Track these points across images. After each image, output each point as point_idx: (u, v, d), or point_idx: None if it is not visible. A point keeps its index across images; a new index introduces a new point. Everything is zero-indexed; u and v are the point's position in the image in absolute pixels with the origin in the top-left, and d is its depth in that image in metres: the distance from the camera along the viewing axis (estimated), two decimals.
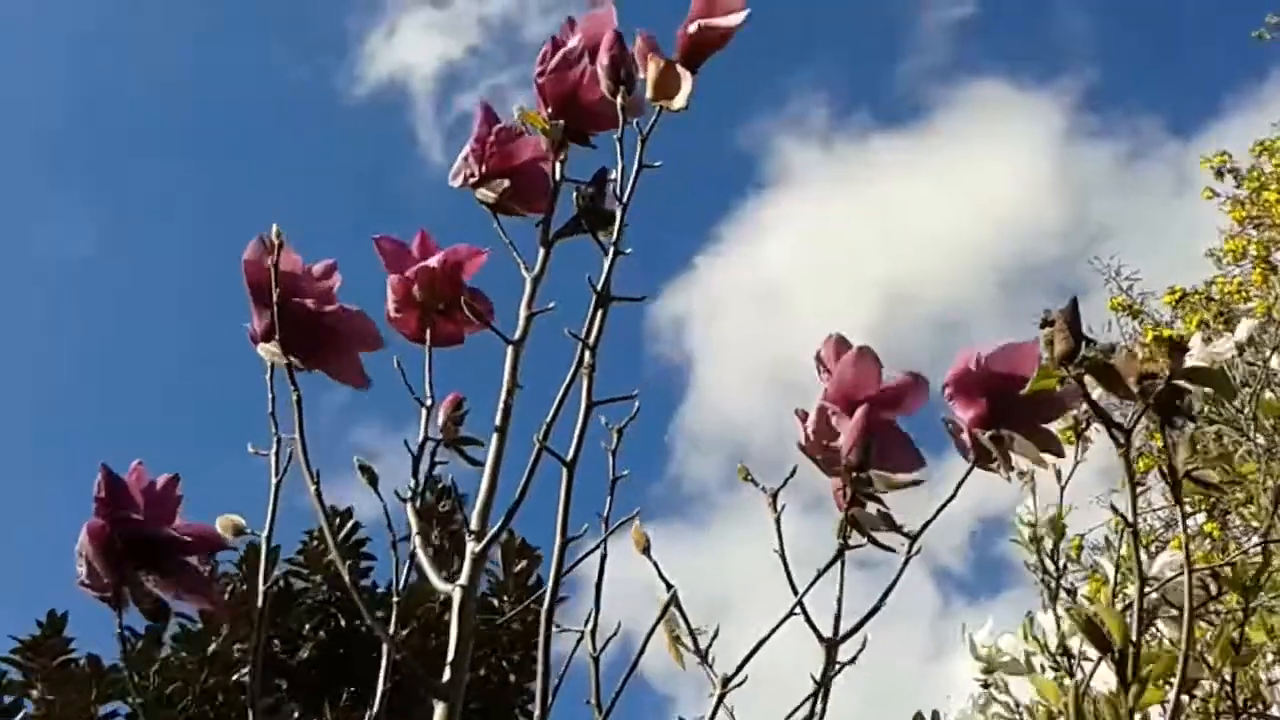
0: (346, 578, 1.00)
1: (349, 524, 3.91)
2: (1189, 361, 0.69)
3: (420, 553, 0.95)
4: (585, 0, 1.06)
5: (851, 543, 0.92)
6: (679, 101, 0.98)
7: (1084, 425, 1.27)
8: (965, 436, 0.90)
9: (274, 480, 0.91)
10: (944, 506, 0.91)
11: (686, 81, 0.98)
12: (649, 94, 1.00)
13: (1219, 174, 5.57)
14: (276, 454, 0.92)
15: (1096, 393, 0.74)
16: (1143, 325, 5.13)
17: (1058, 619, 1.47)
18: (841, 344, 0.92)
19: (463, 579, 0.90)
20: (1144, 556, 1.27)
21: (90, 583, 0.73)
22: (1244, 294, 4.96)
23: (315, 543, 4.12)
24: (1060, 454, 0.88)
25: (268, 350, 0.95)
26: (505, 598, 3.87)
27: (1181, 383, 0.68)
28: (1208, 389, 0.71)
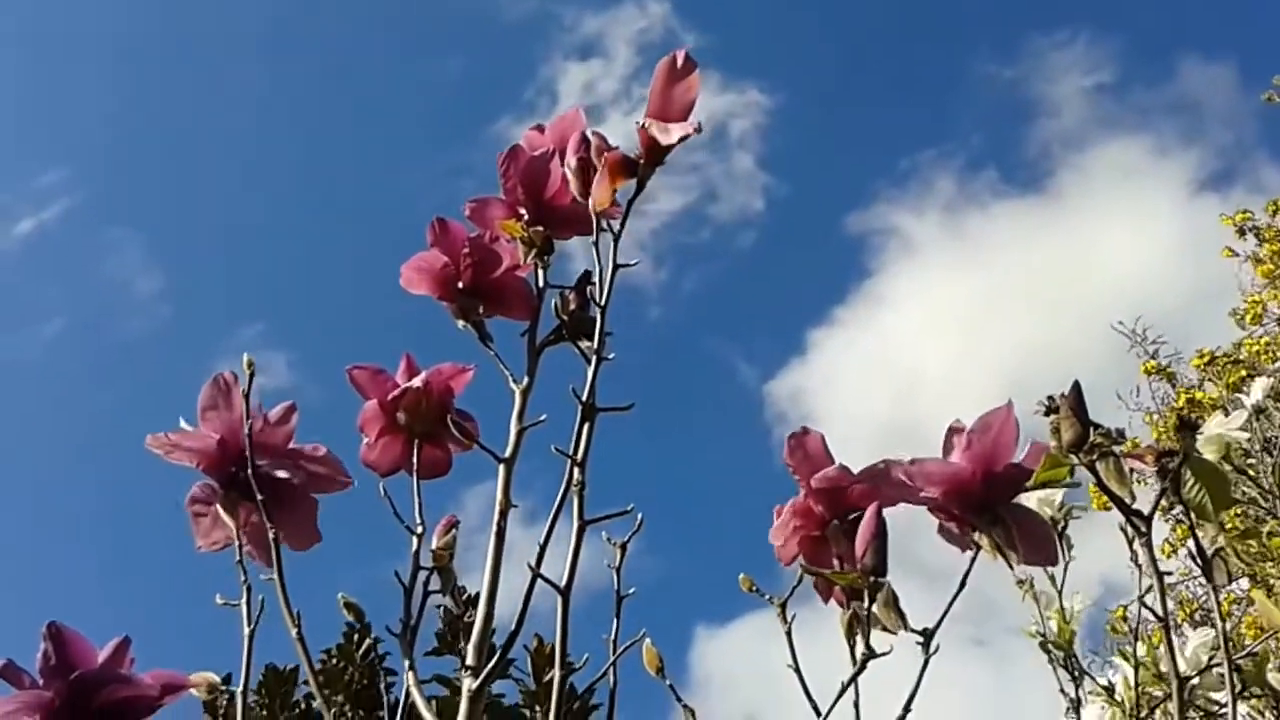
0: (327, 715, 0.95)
1: (368, 640, 3.82)
2: (1201, 441, 0.65)
3: (415, 691, 0.90)
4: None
5: (879, 651, 0.87)
6: (609, 197, 0.94)
7: (1063, 525, 1.22)
8: (952, 525, 0.85)
9: (247, 629, 0.87)
10: (954, 600, 0.86)
11: (619, 182, 0.94)
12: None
13: (1240, 232, 5.46)
14: (248, 603, 0.88)
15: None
16: (1175, 389, 5.01)
17: None
18: (807, 439, 0.89)
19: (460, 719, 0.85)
20: (1177, 636, 1.21)
21: None
22: (1271, 354, 4.84)
23: (335, 660, 4.03)
24: (1054, 560, 0.83)
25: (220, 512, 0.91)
26: (539, 708, 3.72)
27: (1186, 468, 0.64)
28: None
